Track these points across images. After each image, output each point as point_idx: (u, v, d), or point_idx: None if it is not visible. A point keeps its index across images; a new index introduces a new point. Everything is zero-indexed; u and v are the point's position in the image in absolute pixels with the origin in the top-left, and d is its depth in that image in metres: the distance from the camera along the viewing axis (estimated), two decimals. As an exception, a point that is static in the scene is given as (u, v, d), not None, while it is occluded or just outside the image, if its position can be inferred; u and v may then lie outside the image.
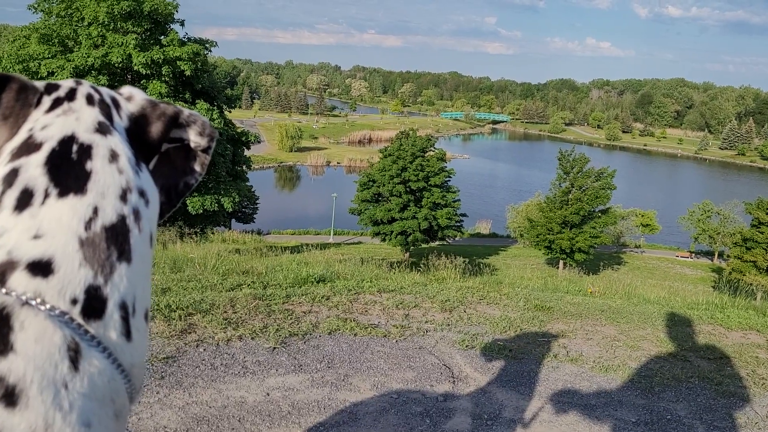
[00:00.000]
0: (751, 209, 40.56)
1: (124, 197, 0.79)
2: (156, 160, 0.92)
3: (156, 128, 0.89)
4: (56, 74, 19.85)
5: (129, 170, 0.81)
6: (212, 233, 20.91)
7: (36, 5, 22.07)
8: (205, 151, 0.95)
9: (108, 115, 0.84)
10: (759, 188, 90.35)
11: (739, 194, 65.22)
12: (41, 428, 0.62)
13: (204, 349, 4.26)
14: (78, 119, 0.81)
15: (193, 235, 15.67)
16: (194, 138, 0.93)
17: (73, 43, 21.77)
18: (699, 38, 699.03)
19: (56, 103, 0.82)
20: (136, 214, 0.80)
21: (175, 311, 4.81)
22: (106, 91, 0.89)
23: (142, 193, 0.83)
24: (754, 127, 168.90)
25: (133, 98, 0.91)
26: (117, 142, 0.82)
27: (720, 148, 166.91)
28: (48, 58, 20.49)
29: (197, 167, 0.96)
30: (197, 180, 0.96)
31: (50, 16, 22.15)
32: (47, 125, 0.79)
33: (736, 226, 49.29)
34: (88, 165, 0.78)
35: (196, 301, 5.15)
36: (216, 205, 22.58)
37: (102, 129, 0.82)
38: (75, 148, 0.78)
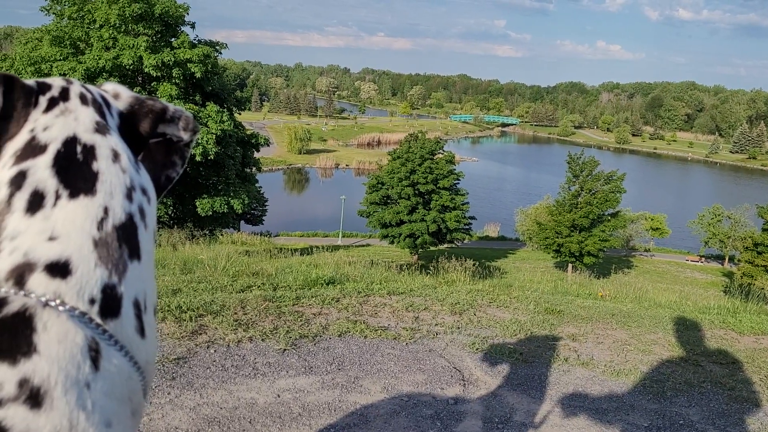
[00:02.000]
0: (763, 213, 40.28)
1: (129, 196, 0.80)
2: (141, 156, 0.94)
3: (144, 125, 0.90)
4: (68, 76, 19.94)
5: (131, 169, 0.83)
6: (221, 235, 20.98)
7: (48, 7, 22.24)
8: (187, 145, 0.97)
9: (102, 114, 0.85)
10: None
11: (750, 198, 64.71)
12: (66, 429, 0.62)
13: (215, 351, 4.27)
14: (77, 119, 0.82)
15: (203, 237, 15.74)
16: (178, 133, 0.94)
17: (84, 45, 21.91)
18: (710, 41, 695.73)
19: (52, 103, 0.82)
20: (142, 211, 0.82)
21: (185, 312, 4.82)
22: (95, 90, 0.89)
23: (144, 191, 0.84)
24: (765, 130, 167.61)
25: (119, 96, 0.91)
26: (116, 141, 0.83)
27: (731, 151, 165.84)
28: (60, 60, 20.63)
29: (178, 160, 0.97)
30: (178, 173, 0.98)
31: (62, 19, 22.30)
32: (48, 126, 0.80)
33: (747, 230, 48.95)
34: (94, 165, 0.78)
35: (206, 303, 5.16)
36: (225, 206, 22.64)
37: (101, 129, 0.83)
38: (79, 149, 0.79)
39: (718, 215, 55.24)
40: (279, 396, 3.76)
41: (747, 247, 40.76)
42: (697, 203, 69.16)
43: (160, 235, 15.93)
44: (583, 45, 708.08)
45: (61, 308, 0.68)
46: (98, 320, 0.71)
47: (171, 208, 23.13)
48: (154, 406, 3.40)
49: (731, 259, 53.13)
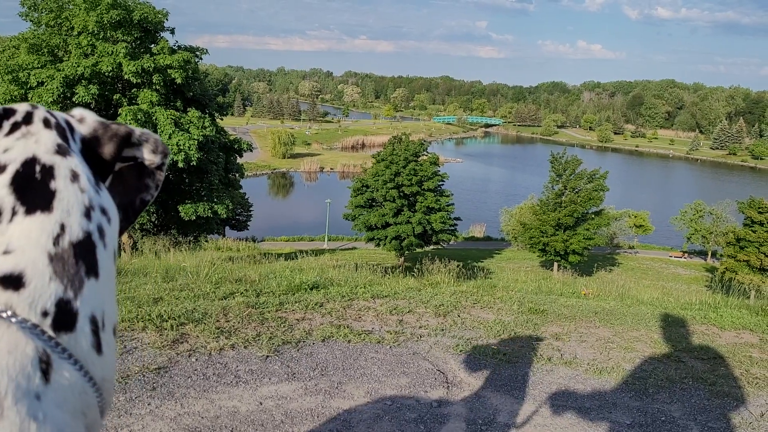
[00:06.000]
0: (744, 208, 40.80)
1: (88, 215, 0.81)
2: (111, 180, 0.95)
3: (108, 149, 0.91)
4: (46, 84, 19.72)
5: (90, 189, 0.84)
6: (206, 241, 20.83)
7: (25, 14, 21.97)
8: (159, 167, 0.98)
9: (65, 137, 0.86)
10: (750, 187, 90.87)
11: (730, 194, 65.58)
12: None
13: (196, 359, 4.24)
14: (37, 142, 0.83)
15: (187, 244, 15.63)
16: (147, 156, 0.96)
17: (62, 52, 21.65)
18: (689, 39, 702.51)
19: (14, 127, 0.84)
20: (101, 230, 0.83)
21: (167, 321, 4.78)
22: (60, 115, 0.91)
23: (104, 211, 0.85)
24: (744, 126, 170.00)
25: (84, 120, 0.92)
26: (77, 163, 0.84)
27: (711, 148, 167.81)
28: (37, 68, 20.32)
29: (151, 183, 0.99)
30: (153, 196, 1.00)
31: (39, 26, 22.03)
32: (9, 148, 0.81)
33: (729, 226, 49.53)
34: (52, 184, 0.79)
35: (188, 311, 5.12)
36: (210, 212, 22.48)
37: (61, 150, 0.84)
38: (38, 168, 0.80)
39: (700, 211, 55.85)
40: (261, 403, 3.73)
41: (729, 242, 41.24)
42: (679, 200, 69.82)
43: (143, 242, 15.80)
44: (564, 45, 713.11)
45: (12, 320, 0.68)
46: (50, 333, 0.71)
47: (154, 215, 22.94)
48: (134, 416, 3.37)
49: (714, 254, 53.73)
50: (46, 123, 0.86)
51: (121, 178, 0.96)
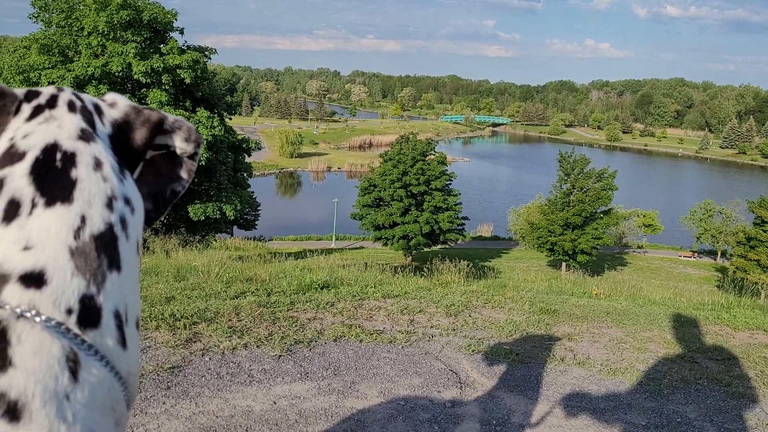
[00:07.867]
0: (754, 207, 40.49)
1: (110, 205, 0.78)
2: (141, 168, 0.92)
3: (140, 134, 0.88)
4: (56, 84, 19.87)
5: (113, 178, 0.80)
6: (215, 240, 20.91)
7: (36, 15, 22.12)
8: (191, 157, 0.94)
9: (90, 122, 0.83)
10: (761, 186, 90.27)
11: (740, 193, 65.18)
12: None
13: (209, 358, 4.24)
14: (60, 126, 0.80)
15: (196, 243, 15.68)
16: (180, 144, 0.92)
17: (73, 53, 21.78)
18: (699, 38, 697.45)
19: (37, 111, 0.81)
20: (123, 222, 0.80)
21: (179, 320, 4.79)
22: (88, 98, 0.87)
23: (127, 201, 0.82)
24: (754, 125, 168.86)
25: (116, 104, 0.89)
26: (100, 149, 0.81)
27: (721, 147, 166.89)
28: (48, 68, 20.48)
29: (184, 174, 0.95)
30: (184, 187, 0.96)
31: (50, 27, 22.18)
32: (29, 134, 0.78)
33: (739, 225, 49.18)
34: (73, 173, 0.76)
35: (200, 310, 5.13)
36: (218, 212, 22.55)
37: (85, 136, 0.80)
38: (59, 156, 0.77)
39: (710, 210, 55.51)
40: (275, 403, 3.73)
41: (739, 242, 40.95)
42: (689, 199, 69.46)
43: (154, 241, 15.86)
44: (572, 43, 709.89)
45: (36, 319, 0.66)
46: (76, 330, 0.70)
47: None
48: (150, 416, 3.37)
49: (723, 254, 53.40)
50: (71, 106, 0.83)
51: (152, 166, 0.93)
